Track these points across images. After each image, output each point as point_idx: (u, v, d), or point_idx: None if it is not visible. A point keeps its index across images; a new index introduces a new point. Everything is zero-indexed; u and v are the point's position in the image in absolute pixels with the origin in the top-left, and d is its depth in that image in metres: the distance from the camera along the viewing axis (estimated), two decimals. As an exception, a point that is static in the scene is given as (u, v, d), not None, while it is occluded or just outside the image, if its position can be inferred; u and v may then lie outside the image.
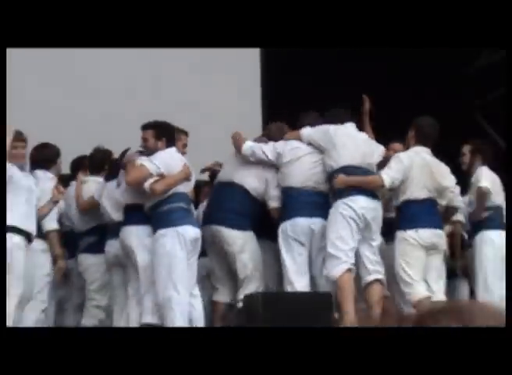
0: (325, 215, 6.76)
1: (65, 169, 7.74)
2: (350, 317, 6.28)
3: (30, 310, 6.58)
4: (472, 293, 7.60)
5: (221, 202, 7.06)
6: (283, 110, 10.38)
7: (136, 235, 6.59)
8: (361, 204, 6.65)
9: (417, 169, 6.79)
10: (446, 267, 7.10)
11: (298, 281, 6.75)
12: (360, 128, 7.16)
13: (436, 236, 6.83)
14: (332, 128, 6.88)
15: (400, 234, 6.75)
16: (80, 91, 10.70)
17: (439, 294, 6.72)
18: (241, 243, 6.93)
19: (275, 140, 7.22)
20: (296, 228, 6.80)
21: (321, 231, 6.79)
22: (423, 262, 6.77)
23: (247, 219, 7.01)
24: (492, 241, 7.12)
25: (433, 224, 6.82)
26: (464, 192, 7.58)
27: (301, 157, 6.97)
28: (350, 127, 6.97)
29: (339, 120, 6.94)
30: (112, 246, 6.90)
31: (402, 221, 6.82)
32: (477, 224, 7.29)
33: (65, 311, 7.52)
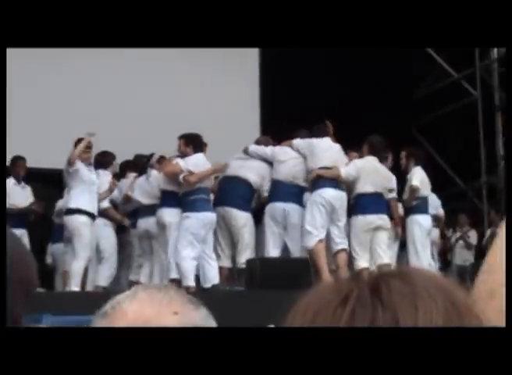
0: (298, 201, 9.01)
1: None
2: (324, 274, 8.57)
3: (103, 270, 9.15)
4: None
5: (230, 190, 9.26)
6: (280, 111, 11.82)
7: (169, 214, 8.85)
8: (330, 193, 8.84)
9: (367, 171, 8.94)
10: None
11: (273, 252, 8.95)
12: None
13: (381, 219, 8.96)
14: (314, 141, 9.17)
15: (352, 220, 8.98)
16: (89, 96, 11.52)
17: (386, 260, 8.92)
18: (244, 221, 9.08)
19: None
20: (273, 210, 9.05)
21: (294, 213, 8.96)
22: (368, 241, 8.90)
23: (248, 204, 9.32)
24: (419, 222, 9.26)
25: (378, 211, 8.94)
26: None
27: (287, 160, 9.23)
28: (326, 141, 9.26)
29: (320, 135, 9.20)
30: (142, 223, 9.23)
31: (355, 209, 8.98)
32: (408, 210, 9.42)
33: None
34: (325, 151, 9.08)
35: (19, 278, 1.23)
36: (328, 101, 12.12)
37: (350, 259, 9.03)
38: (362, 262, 8.83)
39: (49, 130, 11.37)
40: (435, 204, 10.01)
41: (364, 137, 9.20)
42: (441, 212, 10.26)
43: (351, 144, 9.68)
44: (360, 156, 9.31)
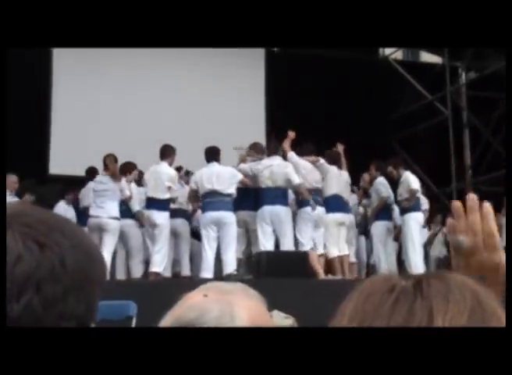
0: (283, 202, 9.45)
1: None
2: (320, 273, 9.20)
3: (134, 265, 9.78)
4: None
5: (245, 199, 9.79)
6: (286, 112, 12.26)
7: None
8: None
9: (333, 178, 9.90)
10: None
11: (267, 245, 9.33)
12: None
13: (344, 217, 9.88)
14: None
15: (325, 217, 9.74)
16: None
17: (345, 252, 9.88)
18: (255, 222, 9.66)
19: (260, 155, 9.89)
20: (263, 212, 9.46)
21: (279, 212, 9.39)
22: (337, 234, 9.80)
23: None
24: (416, 219, 10.07)
25: (342, 210, 9.87)
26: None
27: (273, 166, 9.57)
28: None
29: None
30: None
31: (326, 208, 9.76)
32: (405, 209, 10.09)
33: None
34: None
35: (99, 280, 1.03)
36: (328, 107, 13.05)
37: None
38: (332, 251, 9.79)
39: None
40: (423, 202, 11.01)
41: (352, 148, 10.22)
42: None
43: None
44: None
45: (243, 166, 9.69)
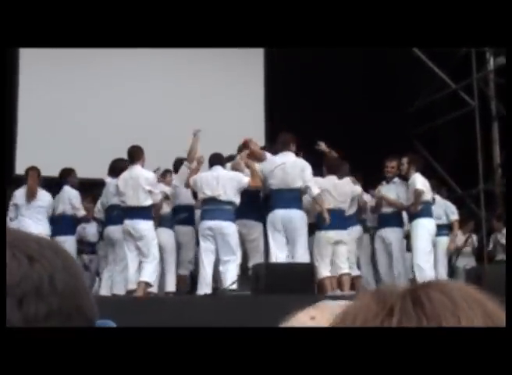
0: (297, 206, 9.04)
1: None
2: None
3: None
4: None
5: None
6: (285, 110, 12.04)
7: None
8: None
9: (329, 190, 9.41)
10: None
11: (280, 256, 8.95)
12: None
13: (339, 234, 9.39)
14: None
15: (317, 234, 9.39)
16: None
17: (345, 270, 9.46)
18: (252, 232, 9.45)
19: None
20: (275, 217, 9.03)
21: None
22: (330, 253, 9.37)
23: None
24: (425, 226, 9.54)
25: (338, 227, 9.32)
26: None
27: (286, 165, 9.14)
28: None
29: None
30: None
31: (318, 224, 9.36)
32: (413, 215, 9.60)
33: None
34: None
35: (89, 316, 0.96)
36: (334, 105, 12.40)
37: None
38: (322, 272, 9.28)
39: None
40: (450, 210, 10.34)
41: (365, 143, 9.63)
42: (454, 218, 10.47)
43: (355, 153, 10.05)
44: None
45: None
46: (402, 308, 0.85)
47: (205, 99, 12.11)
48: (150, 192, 8.85)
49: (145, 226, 8.82)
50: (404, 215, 10.04)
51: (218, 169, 9.07)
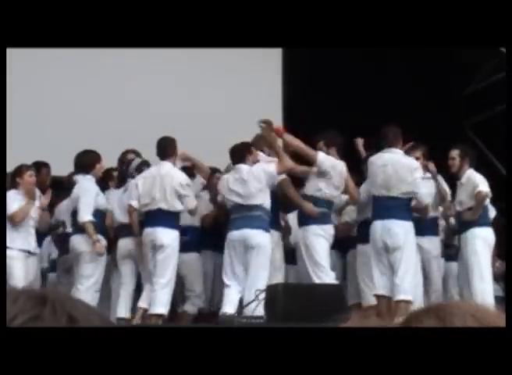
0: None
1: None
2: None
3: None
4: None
5: None
6: (304, 108, 11.30)
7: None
8: None
9: None
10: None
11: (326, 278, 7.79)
12: None
13: None
14: None
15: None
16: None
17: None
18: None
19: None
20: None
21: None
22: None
23: None
24: (482, 237, 8.04)
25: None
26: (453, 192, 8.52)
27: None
28: None
29: None
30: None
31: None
32: (465, 223, 8.11)
33: None
34: None
35: None
36: (361, 100, 11.42)
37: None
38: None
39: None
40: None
41: (409, 135, 8.20)
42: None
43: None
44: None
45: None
46: None
47: (221, 101, 11.56)
48: (183, 196, 7.83)
49: (165, 235, 7.74)
50: None
51: (240, 168, 7.93)
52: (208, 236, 8.49)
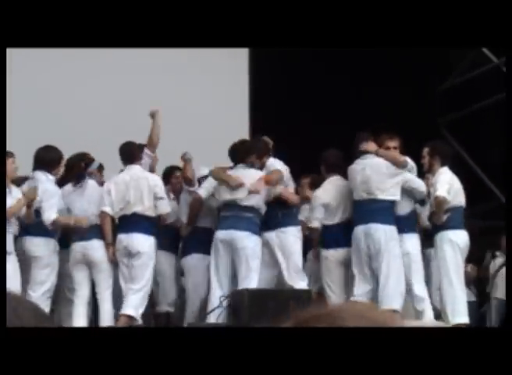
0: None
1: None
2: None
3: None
4: None
5: None
6: (271, 108, 11.51)
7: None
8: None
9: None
10: None
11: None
12: None
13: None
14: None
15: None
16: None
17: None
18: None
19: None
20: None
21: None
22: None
23: None
24: (451, 240, 7.94)
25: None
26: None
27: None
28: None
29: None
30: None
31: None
32: (437, 225, 8.03)
33: None
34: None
35: None
36: (330, 99, 11.59)
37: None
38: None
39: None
40: None
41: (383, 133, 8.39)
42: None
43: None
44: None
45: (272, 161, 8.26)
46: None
47: (188, 100, 11.74)
48: (159, 199, 7.95)
49: (142, 241, 7.91)
50: None
51: (239, 168, 8.16)
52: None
